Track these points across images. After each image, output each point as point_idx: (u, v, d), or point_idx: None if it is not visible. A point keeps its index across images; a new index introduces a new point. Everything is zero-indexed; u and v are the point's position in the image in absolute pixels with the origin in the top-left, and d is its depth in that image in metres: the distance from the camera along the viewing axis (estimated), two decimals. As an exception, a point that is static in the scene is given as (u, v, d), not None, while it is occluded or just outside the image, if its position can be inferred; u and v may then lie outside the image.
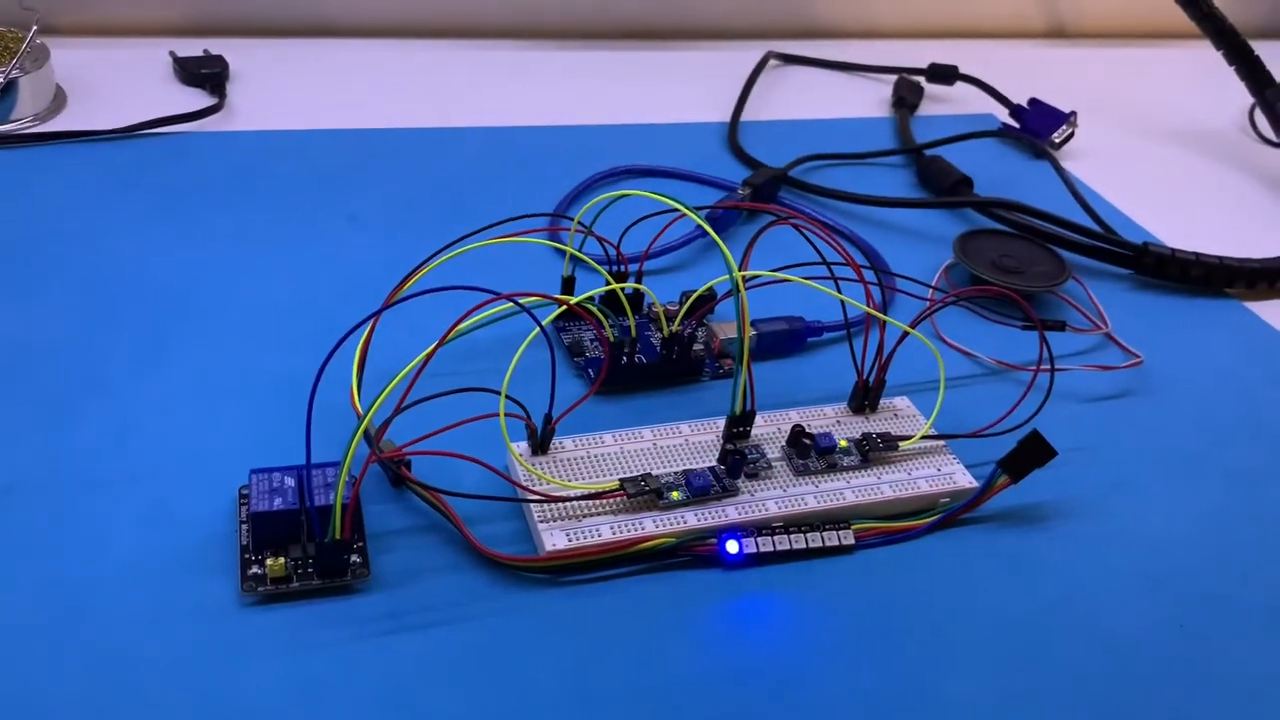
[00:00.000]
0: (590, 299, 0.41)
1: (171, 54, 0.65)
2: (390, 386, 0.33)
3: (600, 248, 0.45)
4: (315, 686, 0.32)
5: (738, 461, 0.38)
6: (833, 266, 0.41)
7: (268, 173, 0.56)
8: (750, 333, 0.37)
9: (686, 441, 0.40)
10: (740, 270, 0.37)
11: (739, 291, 0.36)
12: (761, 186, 0.58)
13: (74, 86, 0.62)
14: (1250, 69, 0.65)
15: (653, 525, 0.37)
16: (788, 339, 0.47)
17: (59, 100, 0.60)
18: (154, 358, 0.43)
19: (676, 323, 0.44)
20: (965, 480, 0.40)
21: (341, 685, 0.32)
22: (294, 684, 0.32)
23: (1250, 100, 0.71)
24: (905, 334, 0.41)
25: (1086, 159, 0.69)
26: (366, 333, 0.38)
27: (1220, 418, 0.47)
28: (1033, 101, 0.70)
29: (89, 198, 0.53)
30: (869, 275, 0.42)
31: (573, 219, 0.44)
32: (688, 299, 0.45)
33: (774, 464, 0.39)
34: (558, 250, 0.51)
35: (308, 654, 0.33)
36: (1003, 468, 0.39)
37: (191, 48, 0.66)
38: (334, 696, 0.32)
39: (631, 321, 0.44)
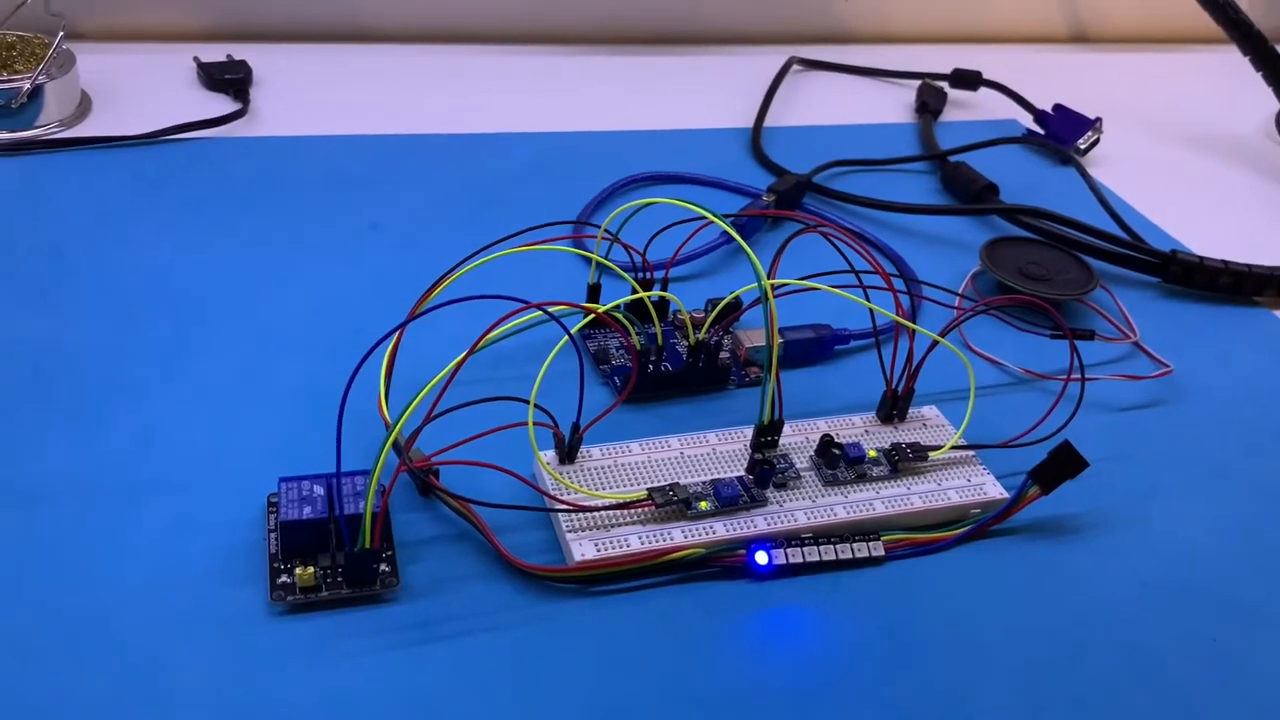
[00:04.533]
0: (617, 307, 0.41)
1: (195, 59, 0.65)
2: (420, 396, 0.33)
3: (626, 255, 0.45)
4: (344, 696, 0.32)
5: (767, 471, 0.38)
6: (860, 274, 0.40)
7: (291, 178, 0.56)
8: (778, 340, 0.36)
9: (714, 451, 0.40)
10: (768, 278, 0.36)
11: (768, 299, 0.36)
12: (786, 193, 0.57)
13: (99, 92, 0.62)
14: (1277, 74, 0.65)
15: (681, 536, 0.36)
16: (815, 347, 0.47)
17: (84, 106, 0.61)
18: (179, 364, 0.43)
19: (703, 330, 0.44)
20: (996, 491, 0.40)
21: (370, 695, 0.32)
22: (323, 694, 0.32)
23: (1277, 105, 0.70)
24: (935, 343, 0.40)
25: (1112, 165, 0.68)
26: (394, 342, 0.38)
27: (1251, 427, 0.46)
28: (1057, 107, 0.70)
29: (114, 203, 0.53)
30: (897, 284, 0.41)
31: (599, 226, 0.44)
32: (714, 307, 0.45)
33: (803, 474, 0.39)
34: (582, 257, 0.51)
35: (336, 664, 0.32)
36: (1034, 479, 0.38)
37: (215, 53, 0.66)
38: (363, 706, 0.31)
39: (658, 329, 0.43)
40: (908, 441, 0.40)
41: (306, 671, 0.32)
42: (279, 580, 0.34)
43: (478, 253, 0.40)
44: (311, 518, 0.34)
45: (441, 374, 0.34)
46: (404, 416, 0.33)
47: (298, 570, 0.34)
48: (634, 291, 0.43)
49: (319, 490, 0.35)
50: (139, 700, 0.31)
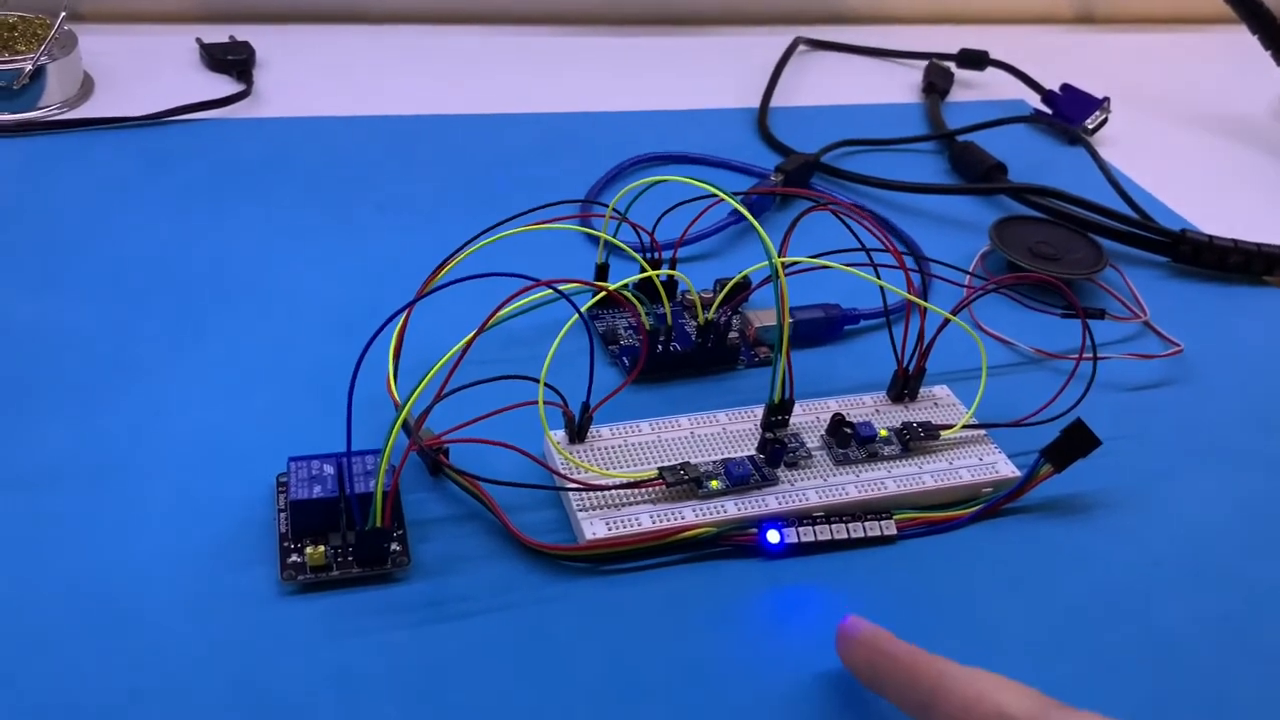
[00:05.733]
0: (625, 286, 0.41)
1: (198, 40, 0.65)
2: (430, 375, 0.33)
3: (634, 234, 0.44)
4: (354, 675, 0.31)
5: (778, 450, 0.38)
6: (871, 252, 0.40)
7: (295, 160, 0.56)
8: (788, 320, 0.36)
9: (724, 430, 0.40)
10: (778, 256, 0.36)
11: (779, 278, 0.35)
12: (794, 173, 0.57)
13: (101, 73, 0.62)
14: (1288, 53, 0.64)
15: (692, 514, 0.36)
16: (824, 326, 0.46)
17: (86, 87, 0.60)
18: (184, 345, 0.43)
19: (712, 310, 0.43)
20: (1008, 470, 0.40)
21: (381, 674, 0.32)
22: (333, 673, 0.31)
23: (1287, 85, 0.70)
24: (947, 321, 0.40)
25: (1120, 145, 0.68)
26: (402, 321, 0.38)
27: (1261, 405, 0.46)
28: (1065, 87, 0.69)
29: (116, 185, 0.52)
30: (908, 261, 0.41)
31: (606, 205, 0.44)
32: (723, 286, 0.45)
33: (814, 453, 0.39)
34: (589, 237, 0.51)
35: (347, 643, 0.32)
36: (1046, 457, 0.38)
37: (218, 34, 0.65)
38: (373, 685, 0.31)
39: (667, 309, 0.43)
40: (919, 420, 0.40)
41: (317, 651, 0.32)
42: (289, 560, 0.34)
43: (485, 232, 0.39)
44: (322, 497, 0.34)
45: (450, 352, 0.34)
46: (413, 395, 0.32)
47: (308, 550, 0.33)
48: (642, 271, 0.42)
49: (329, 470, 0.35)
50: (149, 680, 0.31)
